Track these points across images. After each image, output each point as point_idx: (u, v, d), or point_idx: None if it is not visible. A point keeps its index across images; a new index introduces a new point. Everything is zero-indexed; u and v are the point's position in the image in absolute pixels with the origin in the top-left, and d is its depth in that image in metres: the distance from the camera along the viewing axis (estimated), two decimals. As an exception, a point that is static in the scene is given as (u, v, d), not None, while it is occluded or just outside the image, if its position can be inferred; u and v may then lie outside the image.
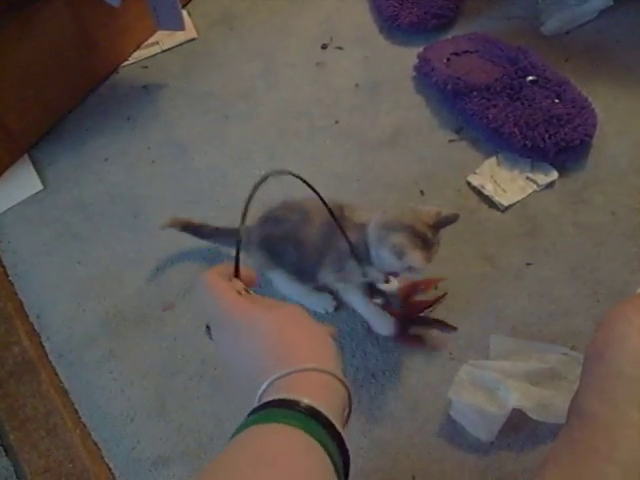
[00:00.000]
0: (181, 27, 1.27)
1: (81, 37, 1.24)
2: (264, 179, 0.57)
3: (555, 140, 1.04)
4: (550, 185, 1.07)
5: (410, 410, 0.89)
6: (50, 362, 1.01)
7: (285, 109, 1.24)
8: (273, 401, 0.43)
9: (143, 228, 1.12)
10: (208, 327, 0.57)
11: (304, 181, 0.60)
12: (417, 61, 1.24)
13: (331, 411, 0.43)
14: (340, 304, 0.98)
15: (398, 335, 0.93)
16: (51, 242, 1.13)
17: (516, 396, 0.81)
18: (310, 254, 0.87)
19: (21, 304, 1.07)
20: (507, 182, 1.07)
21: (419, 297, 0.97)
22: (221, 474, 0.39)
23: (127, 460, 0.91)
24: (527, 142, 1.05)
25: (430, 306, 0.96)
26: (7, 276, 1.10)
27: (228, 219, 1.01)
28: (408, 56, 1.26)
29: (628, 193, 1.04)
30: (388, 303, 0.90)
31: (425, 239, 0.78)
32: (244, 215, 0.57)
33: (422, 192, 1.09)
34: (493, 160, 1.10)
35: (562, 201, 1.05)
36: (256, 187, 0.57)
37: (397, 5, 1.30)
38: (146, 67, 1.35)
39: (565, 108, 1.07)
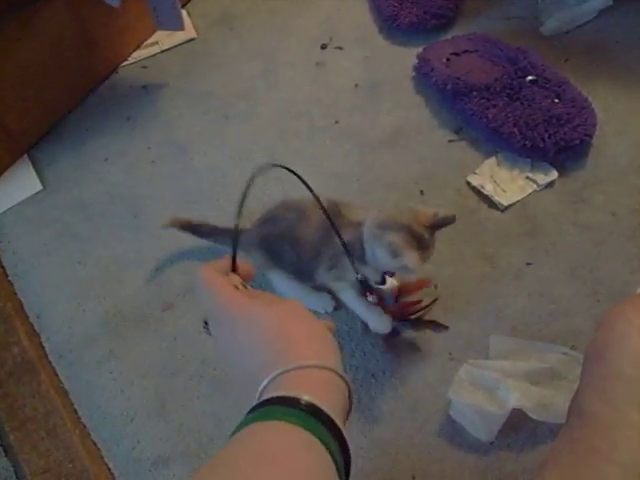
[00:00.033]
0: (181, 27, 1.27)
1: (81, 37, 1.24)
2: (259, 172, 0.57)
3: (555, 140, 1.04)
4: (550, 185, 1.07)
5: (410, 410, 0.89)
6: (50, 362, 1.01)
7: (285, 109, 1.24)
8: (273, 398, 0.43)
9: (143, 228, 1.12)
10: (206, 322, 0.56)
11: (297, 175, 0.60)
12: (417, 61, 1.24)
13: (332, 408, 0.43)
14: (339, 304, 0.97)
15: (386, 340, 0.93)
16: (51, 242, 1.13)
17: (516, 396, 0.81)
18: (307, 252, 0.87)
19: (21, 304, 1.07)
20: (507, 182, 1.07)
21: (412, 298, 0.97)
22: (221, 472, 0.39)
23: (127, 460, 0.91)
24: (527, 142, 1.05)
25: (422, 310, 0.96)
26: (7, 276, 1.10)
27: (228, 219, 1.00)
28: (408, 56, 1.26)
29: (628, 193, 1.04)
30: (382, 300, 0.90)
31: (421, 240, 0.78)
32: (240, 209, 0.57)
33: (422, 192, 1.09)
34: (493, 160, 1.10)
35: (562, 201, 1.05)
36: (251, 180, 0.57)
37: (397, 5, 1.30)
38: (146, 67, 1.35)
39: (565, 108, 1.07)
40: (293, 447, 0.40)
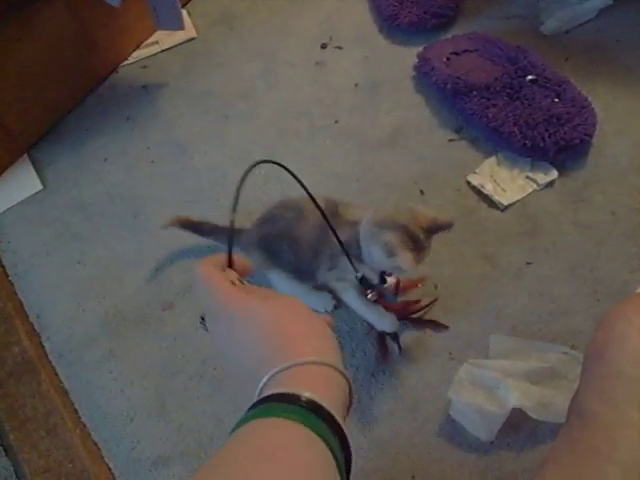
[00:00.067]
0: (181, 27, 1.27)
1: (81, 37, 1.24)
2: (253, 167, 0.57)
3: (555, 139, 1.04)
4: (550, 184, 1.07)
5: (410, 410, 0.89)
6: (50, 362, 1.01)
7: (285, 109, 1.24)
8: (273, 395, 0.43)
9: (143, 228, 1.12)
10: (203, 318, 0.56)
11: (291, 173, 0.60)
12: (417, 60, 1.24)
13: (332, 404, 0.43)
14: (339, 303, 0.97)
15: (381, 348, 0.94)
16: (51, 242, 1.13)
17: (516, 395, 0.80)
18: (305, 252, 0.87)
19: (21, 304, 1.07)
20: (507, 181, 1.07)
21: (410, 296, 0.97)
22: (221, 469, 0.39)
23: (127, 460, 0.91)
24: (527, 141, 1.05)
25: (422, 309, 0.96)
26: (7, 276, 1.10)
27: (226, 218, 1.01)
28: (408, 56, 1.26)
29: (628, 192, 1.04)
30: (382, 297, 0.90)
31: (417, 241, 0.78)
32: (235, 204, 0.57)
33: (422, 192, 1.09)
34: (493, 159, 1.10)
35: (562, 200, 1.05)
36: (245, 175, 0.57)
37: (397, 5, 1.30)
38: (146, 67, 1.35)
39: (565, 107, 1.07)
40: (293, 444, 0.40)
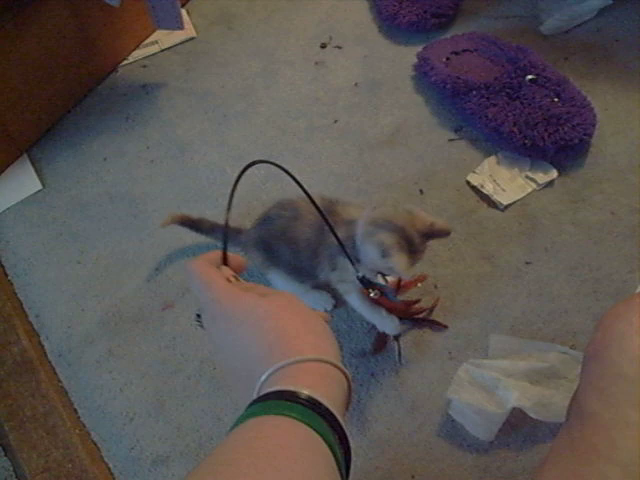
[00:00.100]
0: (180, 26, 1.27)
1: (80, 36, 1.24)
2: (248, 167, 0.57)
3: (554, 139, 1.04)
4: (549, 184, 1.07)
5: (409, 409, 0.89)
6: (49, 362, 1.01)
7: (284, 108, 1.24)
8: (272, 393, 0.43)
9: (142, 227, 1.12)
10: (199, 315, 0.56)
11: (287, 172, 0.60)
12: (416, 60, 1.24)
13: (332, 401, 0.43)
14: (339, 303, 0.98)
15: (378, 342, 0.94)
16: (50, 242, 1.13)
17: (515, 395, 0.81)
18: (303, 251, 0.87)
19: (20, 304, 1.07)
20: (506, 181, 1.07)
21: (411, 295, 0.97)
22: (220, 468, 0.38)
23: (126, 460, 0.91)
24: (526, 141, 1.05)
25: (425, 310, 0.96)
26: (6, 276, 1.10)
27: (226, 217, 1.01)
28: (407, 55, 1.26)
29: (627, 192, 1.04)
30: (383, 295, 0.90)
31: (412, 244, 0.78)
32: (229, 203, 0.57)
33: (421, 191, 1.09)
34: (492, 159, 1.10)
35: (561, 200, 1.05)
36: (240, 175, 0.57)
37: (396, 4, 1.30)
38: (145, 66, 1.35)
39: (564, 107, 1.07)
40: (293, 442, 0.40)
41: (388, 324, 0.89)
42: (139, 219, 1.14)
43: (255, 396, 0.44)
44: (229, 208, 0.58)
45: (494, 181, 1.07)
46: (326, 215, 0.70)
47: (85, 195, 1.18)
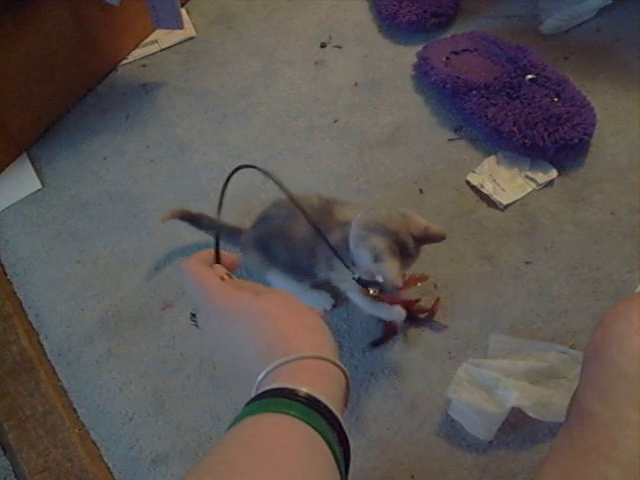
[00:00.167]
0: (180, 26, 1.27)
1: (80, 35, 1.24)
2: (235, 171, 0.57)
3: (554, 139, 1.04)
4: (549, 184, 1.07)
5: (409, 409, 0.89)
6: (49, 361, 1.01)
7: (284, 108, 1.24)
8: (271, 390, 0.43)
9: (142, 227, 1.12)
10: (194, 315, 0.56)
11: (273, 178, 0.59)
12: (416, 60, 1.24)
13: (330, 399, 0.43)
14: (338, 302, 0.98)
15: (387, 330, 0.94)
16: (50, 241, 1.13)
17: (515, 395, 0.81)
18: (301, 250, 0.87)
19: (20, 303, 1.07)
20: (506, 181, 1.07)
21: (410, 294, 0.97)
22: (219, 467, 0.38)
23: (126, 459, 0.91)
24: (526, 141, 1.05)
25: (426, 311, 0.96)
26: (6, 275, 1.10)
27: (227, 217, 1.01)
28: (407, 55, 1.26)
29: (627, 192, 1.04)
30: (383, 292, 0.90)
31: (405, 249, 0.77)
32: (220, 201, 0.57)
33: (421, 191, 1.09)
34: (492, 159, 1.10)
35: (561, 200, 1.05)
36: (227, 181, 0.57)
37: (396, 4, 1.30)
38: (145, 66, 1.35)
39: (564, 107, 1.07)
40: (292, 440, 0.40)
41: (394, 312, 0.89)
42: (139, 218, 1.14)
43: (253, 394, 0.44)
44: (220, 208, 0.57)
45: (494, 181, 1.07)
46: (321, 215, 0.70)
47: (85, 194, 1.18)
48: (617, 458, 0.46)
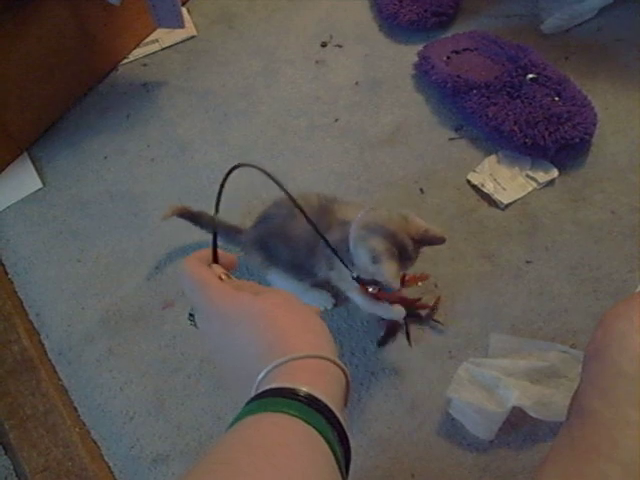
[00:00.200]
0: (181, 25, 1.27)
1: (80, 35, 1.24)
2: (231, 171, 0.57)
3: (555, 138, 1.04)
4: (550, 183, 1.07)
5: (409, 408, 0.89)
6: (49, 360, 1.01)
7: (285, 107, 1.24)
8: (271, 390, 0.43)
9: (143, 226, 1.12)
10: (191, 315, 0.55)
11: (271, 177, 0.59)
12: (417, 59, 1.24)
13: (330, 398, 0.43)
14: (339, 301, 0.98)
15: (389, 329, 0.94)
16: (50, 240, 1.13)
17: (516, 394, 0.81)
18: (301, 249, 0.87)
19: (20, 302, 1.07)
20: (507, 180, 1.07)
21: (409, 295, 0.97)
22: (218, 467, 0.38)
23: (126, 458, 0.91)
24: (527, 140, 1.05)
25: (426, 308, 0.96)
26: (6, 274, 1.10)
27: (227, 217, 1.01)
28: (408, 54, 1.26)
29: (628, 191, 1.04)
30: (381, 290, 0.90)
31: (404, 250, 0.77)
32: (218, 200, 0.57)
33: (422, 190, 1.09)
34: (493, 158, 1.10)
35: (562, 199, 1.05)
36: (225, 179, 0.57)
37: (397, 3, 1.30)
38: (146, 65, 1.35)
39: (565, 106, 1.07)
40: (292, 439, 0.40)
41: (393, 311, 0.89)
42: (139, 218, 1.14)
43: (253, 394, 0.44)
44: (217, 206, 0.57)
45: (494, 180, 1.07)
46: (321, 214, 0.69)
47: (85, 193, 1.18)
48: (618, 457, 0.46)
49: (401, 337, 0.95)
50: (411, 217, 0.80)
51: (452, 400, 0.85)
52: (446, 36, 1.26)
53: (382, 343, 0.94)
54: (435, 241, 0.80)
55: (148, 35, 1.39)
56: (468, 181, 1.09)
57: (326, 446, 0.40)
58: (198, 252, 0.56)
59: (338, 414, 0.42)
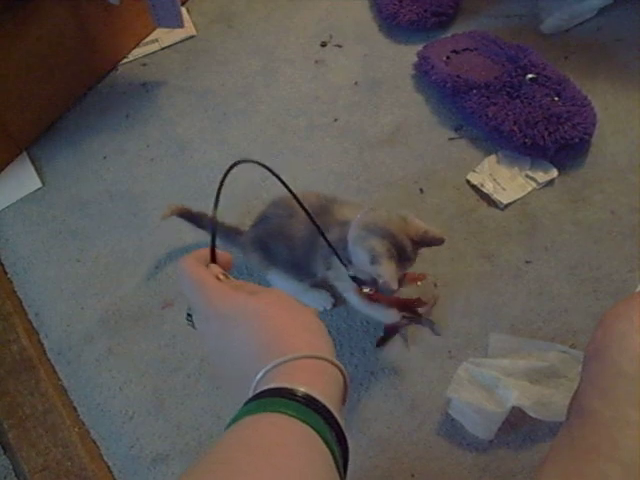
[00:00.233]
0: (180, 25, 1.26)
1: (80, 34, 1.24)
2: (232, 167, 0.57)
3: (555, 138, 1.04)
4: (550, 183, 1.07)
5: (409, 408, 0.89)
6: (49, 360, 1.01)
7: (284, 107, 1.24)
8: (269, 390, 0.43)
9: (142, 226, 1.12)
10: (189, 315, 0.55)
11: (273, 173, 0.59)
12: (417, 59, 1.24)
13: (328, 398, 0.43)
14: (338, 301, 0.98)
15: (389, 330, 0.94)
16: (50, 240, 1.13)
17: (515, 394, 0.81)
18: (300, 249, 0.87)
19: (20, 302, 1.07)
20: (507, 180, 1.07)
21: (409, 295, 0.97)
22: (217, 467, 0.38)
23: (126, 458, 0.91)
24: (527, 140, 1.05)
25: (423, 305, 0.95)
26: (6, 274, 1.10)
27: (227, 217, 1.01)
28: (408, 54, 1.26)
29: (627, 191, 1.04)
30: (378, 291, 0.90)
31: (403, 252, 0.77)
32: (216, 201, 0.57)
33: (421, 190, 1.09)
34: (493, 158, 1.10)
35: (562, 199, 1.05)
36: (225, 175, 0.57)
37: (397, 3, 1.30)
38: (145, 65, 1.35)
39: (565, 106, 1.07)
40: (290, 439, 0.40)
41: (388, 315, 0.89)
42: (139, 217, 1.14)
43: (251, 394, 0.44)
44: (216, 205, 0.57)
45: (494, 180, 1.07)
46: (321, 213, 0.69)
47: (85, 193, 1.18)
48: (617, 457, 0.46)
49: (400, 337, 0.94)
50: (410, 218, 0.80)
51: (452, 400, 0.85)
52: (446, 36, 1.26)
53: (380, 343, 0.95)
54: (434, 242, 0.80)
55: (147, 35, 1.39)
56: (468, 181, 1.09)
57: (324, 446, 0.40)
58: (198, 251, 0.56)
59: (336, 414, 0.42)
